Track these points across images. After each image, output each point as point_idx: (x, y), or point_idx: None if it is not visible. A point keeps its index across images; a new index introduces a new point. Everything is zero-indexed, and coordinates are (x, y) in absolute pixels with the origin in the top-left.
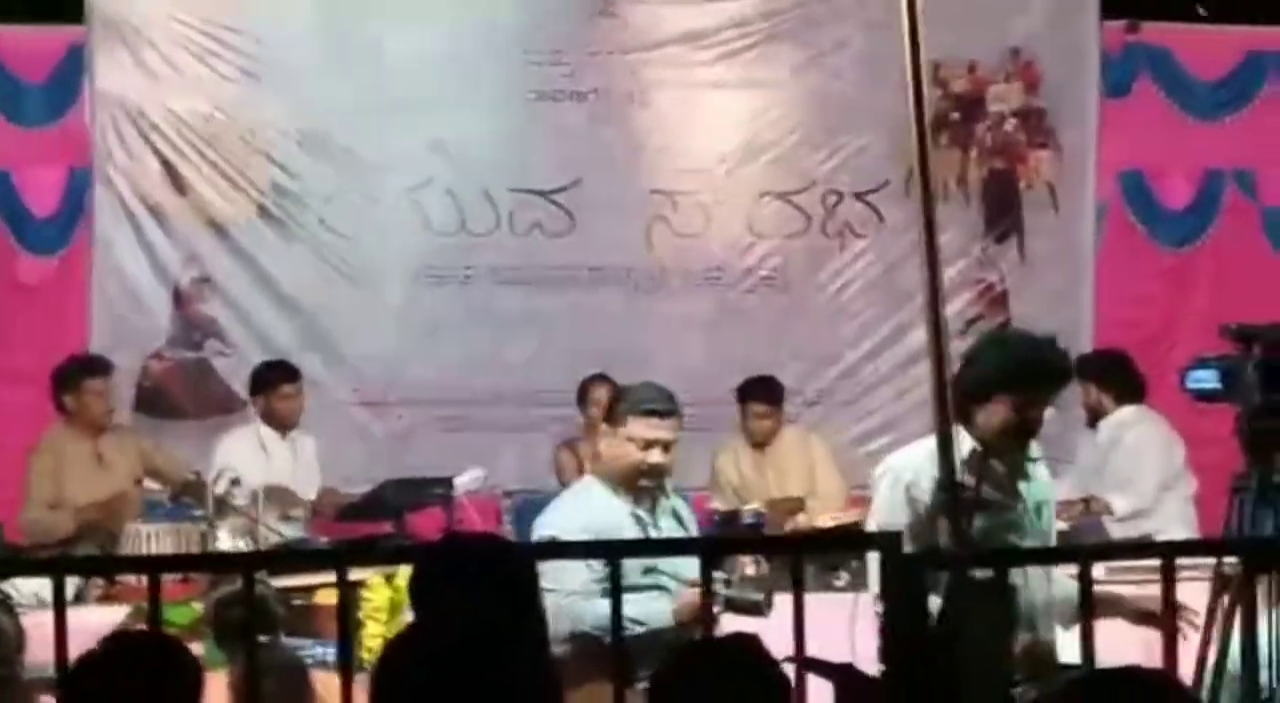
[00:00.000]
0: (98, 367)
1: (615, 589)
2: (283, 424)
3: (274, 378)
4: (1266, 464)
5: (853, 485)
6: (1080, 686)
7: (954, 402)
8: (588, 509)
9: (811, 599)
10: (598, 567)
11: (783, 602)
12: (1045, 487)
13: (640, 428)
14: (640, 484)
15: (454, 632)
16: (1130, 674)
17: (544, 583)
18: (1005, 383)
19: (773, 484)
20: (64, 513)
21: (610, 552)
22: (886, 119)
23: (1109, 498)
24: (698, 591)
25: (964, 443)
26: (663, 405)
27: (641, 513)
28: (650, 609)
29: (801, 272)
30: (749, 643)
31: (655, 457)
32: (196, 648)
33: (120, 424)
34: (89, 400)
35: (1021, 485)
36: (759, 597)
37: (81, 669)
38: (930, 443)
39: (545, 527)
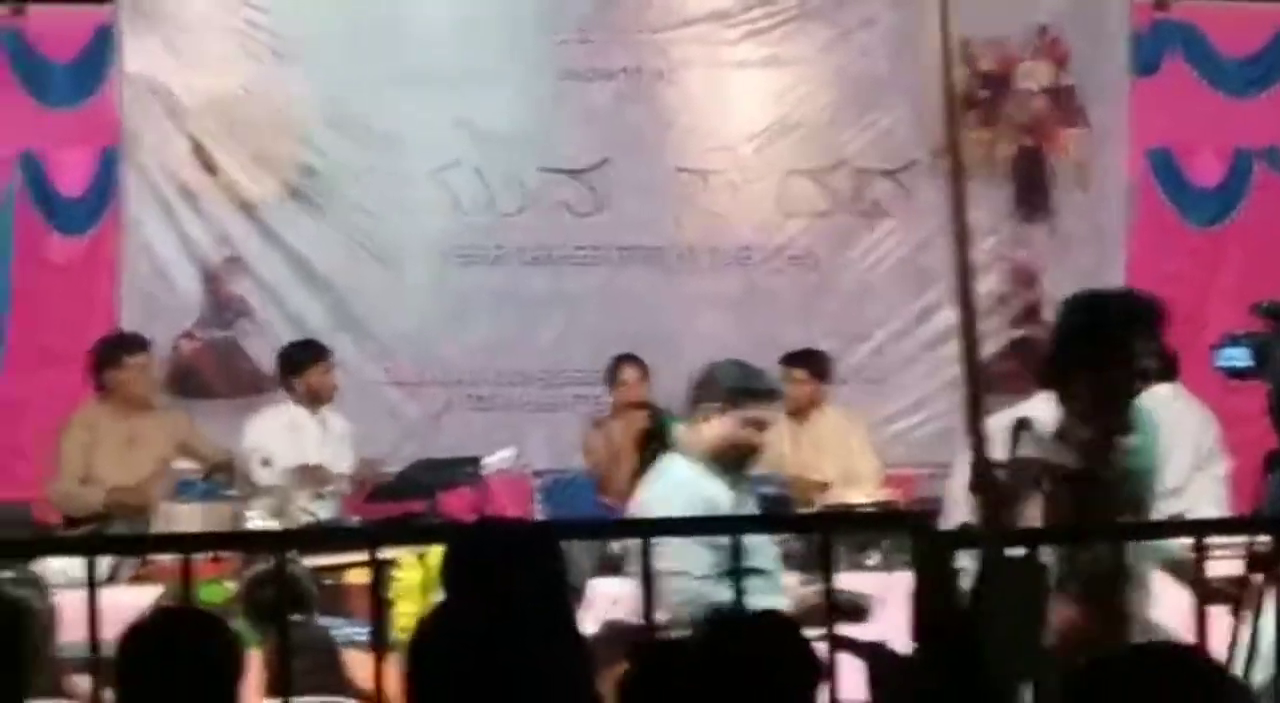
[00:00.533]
0: (138, 343)
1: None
2: (320, 401)
3: (309, 356)
4: None
5: (884, 464)
6: (1109, 663)
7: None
8: (693, 487)
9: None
10: (716, 551)
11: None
12: (1146, 454)
13: (747, 409)
14: (737, 463)
15: (485, 613)
16: (1163, 651)
17: (671, 565)
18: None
19: (809, 459)
20: (94, 488)
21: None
22: (915, 97)
23: None
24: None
25: (1048, 411)
26: (765, 385)
27: (740, 492)
28: (767, 603)
29: (830, 250)
30: (780, 619)
31: (756, 437)
32: None
33: (156, 405)
34: (132, 376)
35: (1117, 454)
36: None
37: (130, 641)
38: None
39: (654, 505)
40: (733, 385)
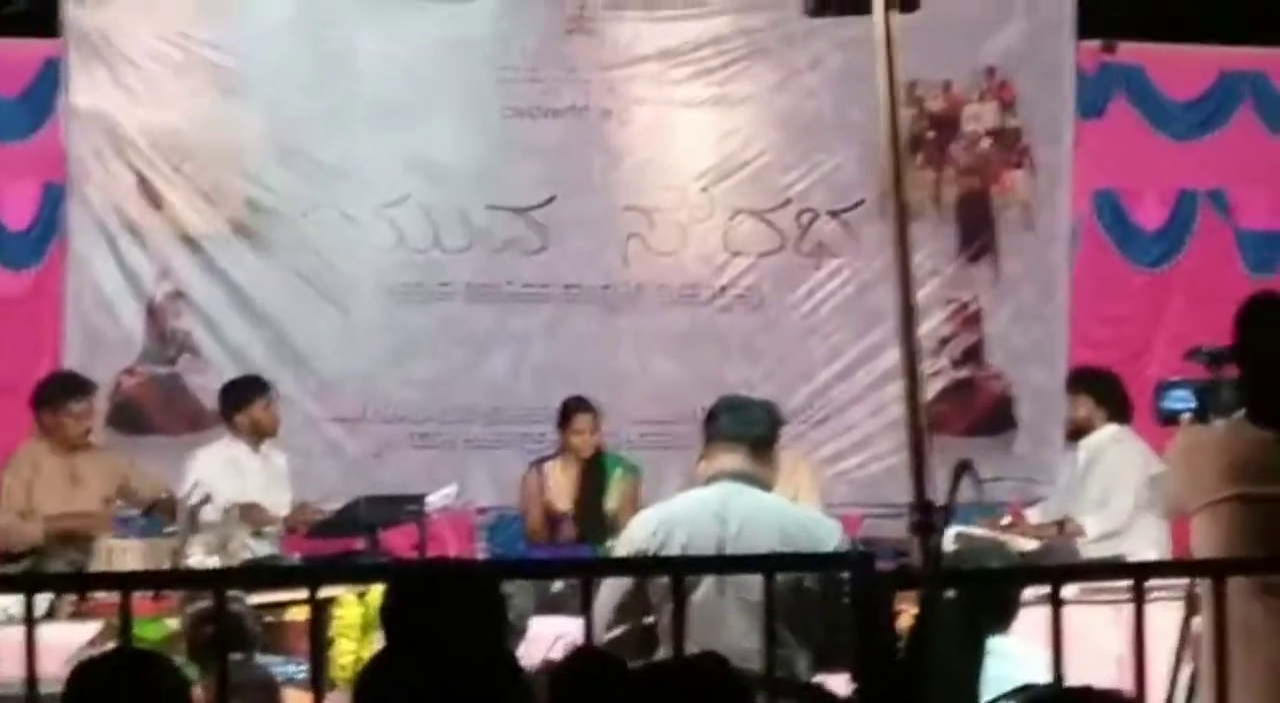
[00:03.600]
0: (81, 388)
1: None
2: (262, 436)
3: (251, 393)
4: None
5: (825, 504)
6: None
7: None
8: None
9: None
10: None
11: None
12: None
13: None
14: None
15: (426, 659)
16: (1091, 696)
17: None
18: None
19: None
20: (34, 522)
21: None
22: (862, 137)
23: (1083, 521)
24: None
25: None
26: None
27: None
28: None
29: (776, 290)
30: (717, 662)
31: None
32: None
33: (96, 444)
34: (68, 422)
35: None
36: None
37: (78, 680)
38: None
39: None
40: (710, 431)
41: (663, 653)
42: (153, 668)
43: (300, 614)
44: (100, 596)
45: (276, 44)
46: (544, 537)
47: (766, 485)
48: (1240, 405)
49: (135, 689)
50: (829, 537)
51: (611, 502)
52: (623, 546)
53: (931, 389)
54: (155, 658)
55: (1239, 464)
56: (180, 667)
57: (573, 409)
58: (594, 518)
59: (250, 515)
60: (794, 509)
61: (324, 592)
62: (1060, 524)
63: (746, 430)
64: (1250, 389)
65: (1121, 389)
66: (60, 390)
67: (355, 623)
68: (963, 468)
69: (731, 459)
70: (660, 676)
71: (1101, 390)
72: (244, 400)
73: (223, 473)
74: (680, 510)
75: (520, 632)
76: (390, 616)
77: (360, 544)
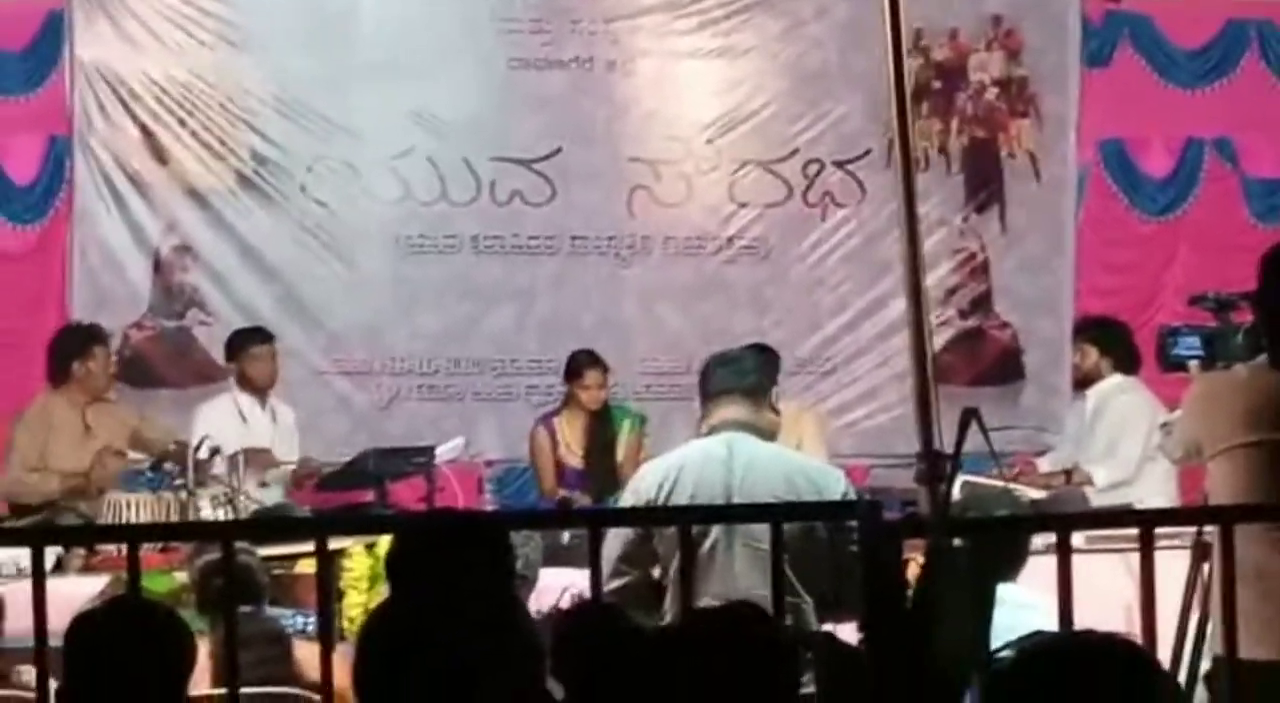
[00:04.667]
0: (102, 336)
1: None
2: (256, 387)
3: (245, 341)
4: None
5: (832, 454)
6: (1045, 652)
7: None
8: None
9: None
10: None
11: None
12: None
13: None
14: None
15: (433, 607)
16: (1096, 641)
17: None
18: None
19: None
20: (48, 475)
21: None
22: (868, 87)
23: (1091, 469)
24: None
25: None
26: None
27: None
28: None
29: (782, 241)
30: (754, 611)
31: None
32: None
33: (107, 395)
34: (96, 369)
35: None
36: None
37: (78, 630)
38: None
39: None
40: (706, 389)
41: (669, 604)
42: (154, 618)
43: (309, 566)
44: (109, 549)
45: None
46: (556, 494)
47: (769, 434)
48: (1249, 352)
49: (136, 639)
50: (835, 484)
51: (620, 454)
52: (629, 496)
53: (939, 339)
54: (156, 607)
55: (1258, 409)
56: (183, 617)
57: (583, 363)
58: (604, 470)
59: (257, 460)
60: (799, 457)
61: (332, 544)
62: (1068, 473)
63: (739, 381)
64: (1272, 335)
65: (1128, 338)
66: (85, 339)
67: (364, 575)
68: (969, 416)
69: (731, 410)
70: (701, 625)
71: (1109, 340)
72: (234, 351)
73: (229, 425)
74: (686, 461)
75: (530, 582)
76: (395, 565)
77: (369, 496)
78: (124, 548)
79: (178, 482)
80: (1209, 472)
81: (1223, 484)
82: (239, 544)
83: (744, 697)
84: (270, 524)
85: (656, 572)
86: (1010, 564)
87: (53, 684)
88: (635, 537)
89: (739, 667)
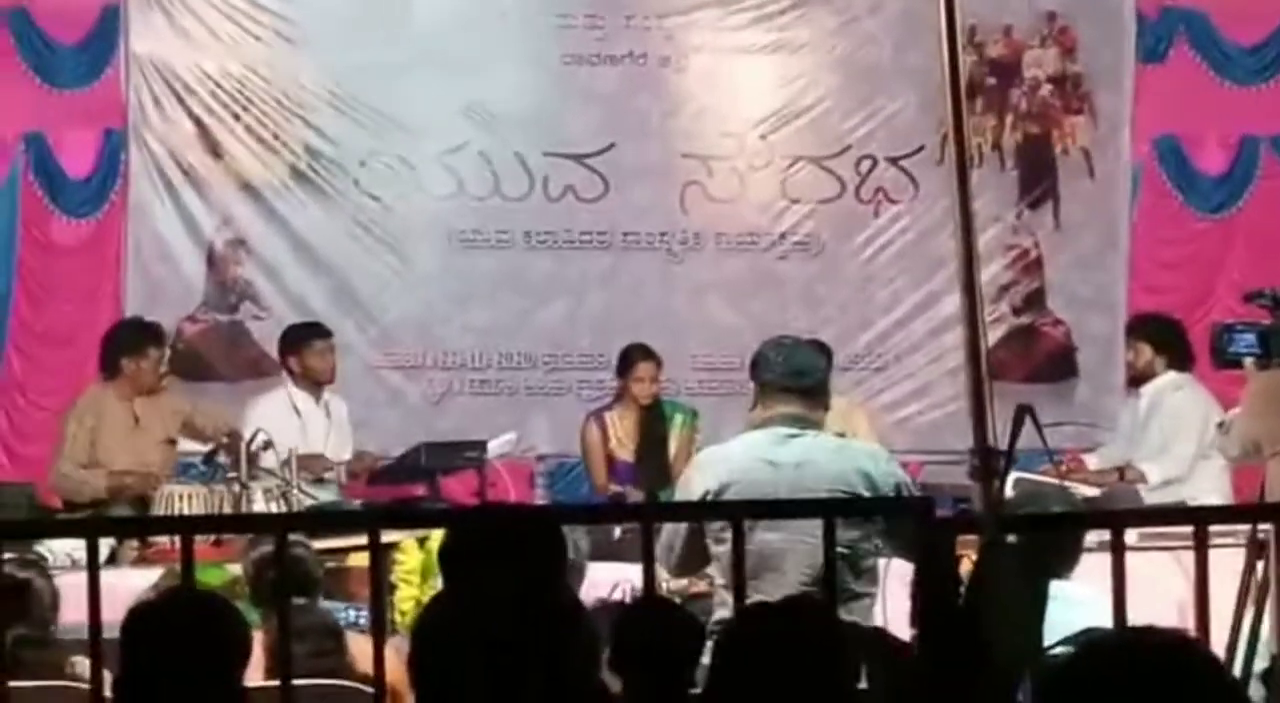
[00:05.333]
0: (157, 335)
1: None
2: (316, 382)
3: (306, 335)
4: None
5: (887, 450)
6: (1102, 648)
7: None
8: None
9: None
10: None
11: None
12: None
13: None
14: None
15: (487, 600)
16: (1154, 638)
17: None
18: None
19: None
20: (97, 473)
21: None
22: (921, 83)
23: (1144, 467)
24: None
25: None
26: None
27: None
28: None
29: (835, 237)
30: (814, 604)
31: None
32: None
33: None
34: (147, 368)
35: None
36: None
37: (134, 622)
38: None
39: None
40: (763, 379)
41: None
42: (209, 609)
43: (361, 560)
44: (162, 541)
45: None
46: (608, 489)
47: (820, 428)
48: None
49: (193, 630)
50: (889, 470)
51: (672, 449)
52: (680, 495)
53: (992, 336)
54: (213, 599)
55: None
56: (239, 609)
57: (635, 357)
58: (656, 466)
59: (311, 466)
60: (857, 447)
61: (385, 537)
62: (1121, 471)
63: (799, 382)
64: None
65: (1183, 336)
66: (140, 337)
67: (415, 568)
68: (1023, 413)
69: (787, 407)
70: (762, 618)
71: (1162, 337)
72: (294, 346)
73: (283, 420)
74: (736, 461)
75: (580, 573)
76: (448, 558)
77: (421, 491)
78: (177, 540)
79: (230, 474)
80: (1269, 470)
81: None
82: (295, 537)
83: (801, 693)
84: (322, 517)
85: (712, 570)
86: (1063, 561)
87: (107, 676)
88: (689, 538)
89: (797, 663)
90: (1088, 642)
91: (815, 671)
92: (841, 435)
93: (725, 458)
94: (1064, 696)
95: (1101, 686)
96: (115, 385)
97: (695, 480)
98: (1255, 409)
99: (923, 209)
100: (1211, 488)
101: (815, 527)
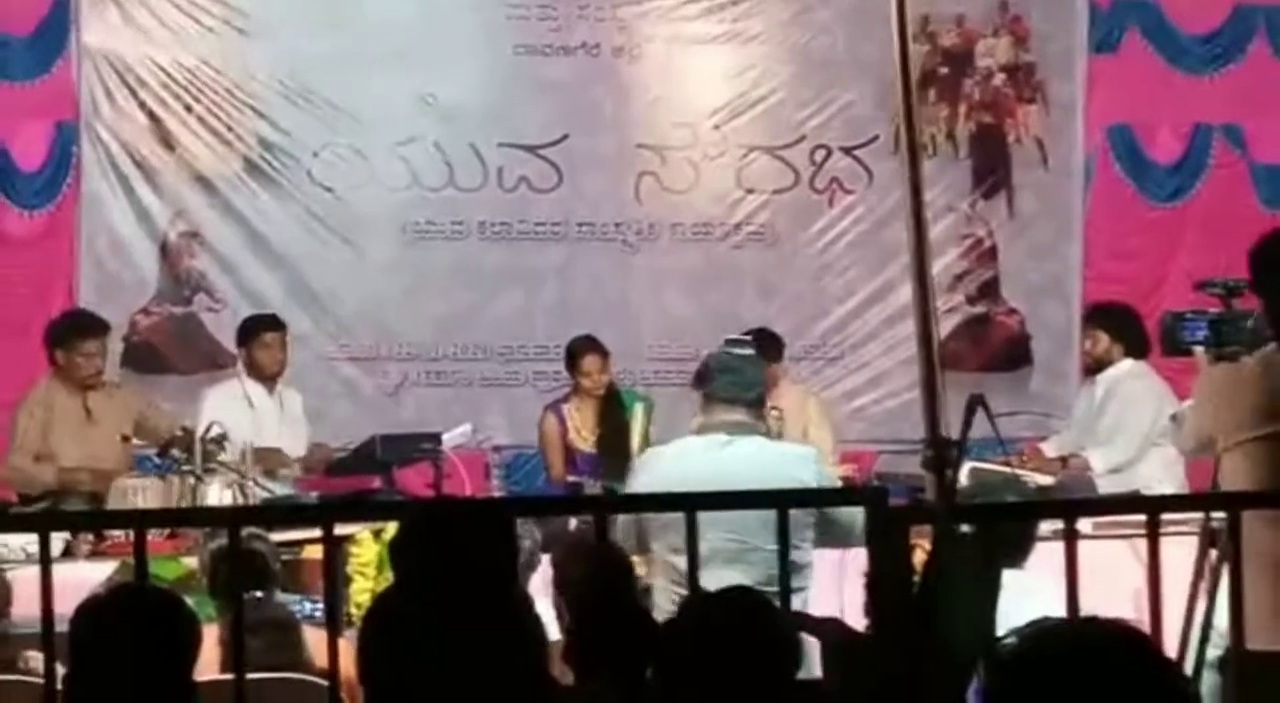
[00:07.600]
0: (94, 327)
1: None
2: (265, 375)
3: (255, 327)
4: None
5: (839, 440)
6: (1047, 638)
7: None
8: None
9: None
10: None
11: None
12: None
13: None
14: None
15: (435, 595)
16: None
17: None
18: None
19: None
20: (46, 466)
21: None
22: (875, 74)
23: (1089, 454)
24: None
25: None
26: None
27: None
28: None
29: (790, 227)
30: (756, 598)
31: None
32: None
33: (111, 381)
34: (80, 361)
35: None
36: None
37: (83, 616)
38: None
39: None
40: (705, 390)
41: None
42: (157, 603)
43: (317, 553)
44: (117, 535)
45: None
46: (565, 480)
47: (759, 434)
48: (1257, 338)
49: (139, 625)
50: (818, 471)
51: (635, 438)
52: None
53: (946, 326)
54: (160, 594)
55: (1273, 402)
56: (187, 603)
57: (580, 351)
58: (617, 455)
59: (267, 459)
60: (787, 453)
61: (340, 530)
62: (1064, 459)
63: (741, 395)
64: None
65: (1139, 324)
66: (73, 330)
67: (371, 561)
68: (975, 402)
69: (729, 415)
70: (703, 611)
71: (1119, 325)
72: (243, 337)
73: (236, 411)
74: (670, 464)
75: (532, 567)
76: (399, 552)
77: (376, 483)
78: (131, 534)
79: (185, 467)
80: (1221, 465)
81: (1236, 477)
82: (253, 530)
83: (746, 683)
84: (277, 510)
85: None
86: (1017, 550)
87: (60, 670)
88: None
89: (741, 653)
90: (1035, 632)
91: (755, 657)
92: (803, 432)
93: (661, 460)
94: (1012, 685)
95: (1048, 675)
96: (62, 379)
97: (636, 483)
98: (1207, 405)
99: (877, 199)
100: (1164, 476)
101: (748, 530)
